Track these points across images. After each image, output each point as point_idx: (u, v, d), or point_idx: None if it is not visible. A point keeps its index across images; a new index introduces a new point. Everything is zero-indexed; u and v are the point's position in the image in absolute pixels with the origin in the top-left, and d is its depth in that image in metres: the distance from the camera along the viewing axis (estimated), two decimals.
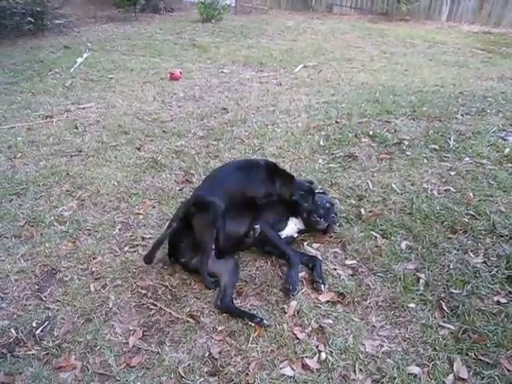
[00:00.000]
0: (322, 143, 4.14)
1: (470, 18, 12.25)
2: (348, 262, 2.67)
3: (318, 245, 2.83)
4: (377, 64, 7.61)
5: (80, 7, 12.34)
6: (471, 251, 2.69)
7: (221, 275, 2.52)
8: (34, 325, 2.34)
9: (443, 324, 2.23)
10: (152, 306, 2.42)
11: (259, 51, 8.51)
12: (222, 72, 7.11)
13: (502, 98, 5.24)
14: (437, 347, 2.10)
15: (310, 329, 2.23)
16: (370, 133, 4.19)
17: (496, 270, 2.54)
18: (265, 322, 2.25)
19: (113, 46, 8.83)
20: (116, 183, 3.65)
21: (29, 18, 9.36)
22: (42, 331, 2.31)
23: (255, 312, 2.34)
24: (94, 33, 10.25)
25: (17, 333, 2.29)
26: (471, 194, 3.21)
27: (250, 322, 2.26)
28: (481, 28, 11.69)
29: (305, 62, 7.60)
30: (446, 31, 11.24)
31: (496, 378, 1.95)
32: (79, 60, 7.64)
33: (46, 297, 2.54)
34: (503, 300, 2.35)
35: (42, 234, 3.06)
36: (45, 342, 2.23)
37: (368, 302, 2.38)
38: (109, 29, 10.78)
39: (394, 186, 3.33)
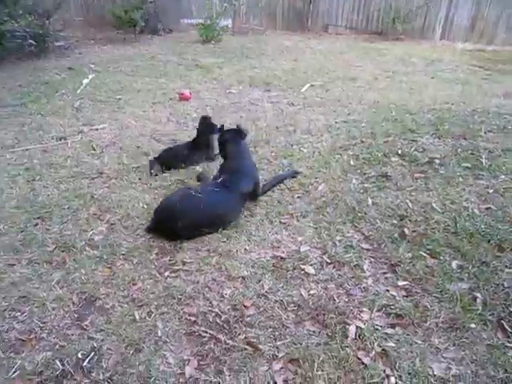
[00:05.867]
0: (352, 163, 4.07)
1: (463, 36, 12.54)
2: (400, 283, 2.59)
3: (367, 265, 2.77)
4: (382, 83, 7.68)
5: (79, 29, 12.33)
6: None
7: None
8: (80, 356, 2.23)
9: (509, 344, 2.17)
10: (204, 334, 2.32)
11: (263, 71, 8.53)
12: (231, 92, 7.10)
13: None
14: (508, 369, 2.04)
15: (373, 353, 2.15)
16: (399, 152, 4.13)
17: None
18: None
19: (116, 67, 8.78)
20: (145, 206, 3.55)
21: (30, 40, 9.34)
22: (88, 363, 2.19)
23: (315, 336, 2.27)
24: (95, 54, 10.20)
25: (62, 365, 2.18)
26: None
27: None
28: (474, 46, 11.95)
29: (311, 82, 7.62)
30: (441, 49, 11.45)
31: None
32: (85, 81, 7.58)
33: (87, 326, 2.42)
34: None
35: (74, 259, 2.95)
36: (94, 374, 2.12)
37: (428, 323, 2.31)
38: (109, 50, 10.74)
39: (434, 205, 3.26)
